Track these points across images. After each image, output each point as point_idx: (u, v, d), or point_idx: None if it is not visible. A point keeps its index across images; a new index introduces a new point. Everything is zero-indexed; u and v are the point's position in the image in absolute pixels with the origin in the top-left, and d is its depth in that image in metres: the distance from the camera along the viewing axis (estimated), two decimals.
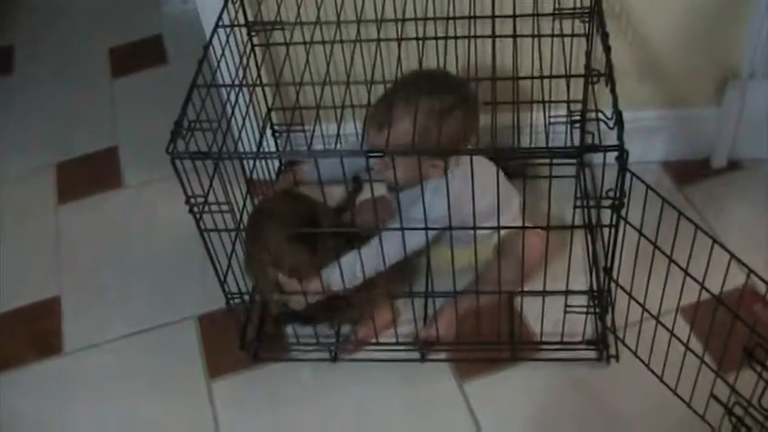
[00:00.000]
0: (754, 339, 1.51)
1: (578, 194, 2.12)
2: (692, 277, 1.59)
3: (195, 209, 1.66)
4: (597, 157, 1.52)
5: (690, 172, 2.29)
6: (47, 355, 2.13)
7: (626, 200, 1.56)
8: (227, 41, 1.88)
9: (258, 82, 2.08)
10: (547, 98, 2.02)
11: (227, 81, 1.87)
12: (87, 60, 3.11)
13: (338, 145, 1.73)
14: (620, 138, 1.49)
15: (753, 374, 1.53)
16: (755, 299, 1.52)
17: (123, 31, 3.20)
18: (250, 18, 2.05)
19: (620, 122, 1.51)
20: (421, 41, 1.82)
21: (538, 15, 1.83)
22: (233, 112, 1.79)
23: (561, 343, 1.90)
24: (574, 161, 2.24)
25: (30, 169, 2.69)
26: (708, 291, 1.58)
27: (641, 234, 1.63)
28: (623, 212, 1.59)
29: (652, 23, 2.07)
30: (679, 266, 1.59)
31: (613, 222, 1.61)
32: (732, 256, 1.51)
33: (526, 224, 1.71)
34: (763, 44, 2.07)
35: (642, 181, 1.56)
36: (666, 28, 2.08)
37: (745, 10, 2.04)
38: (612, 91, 1.60)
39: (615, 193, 1.55)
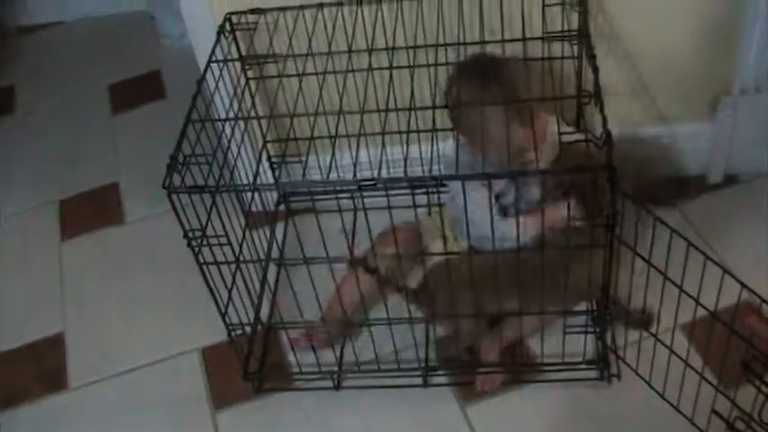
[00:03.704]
0: (751, 353, 1.52)
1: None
2: (686, 293, 1.59)
3: (194, 242, 1.68)
4: None
5: (686, 189, 2.30)
6: (53, 390, 2.14)
7: (619, 219, 1.58)
8: (221, 76, 1.91)
9: (253, 114, 2.10)
10: None
11: (223, 114, 1.89)
12: (87, 97, 3.14)
13: (333, 174, 1.74)
14: (609, 158, 1.51)
15: (753, 388, 1.54)
16: (751, 312, 1.53)
17: (122, 67, 3.23)
18: (243, 52, 2.07)
19: (609, 142, 1.53)
20: (412, 69, 1.83)
21: (526, 39, 1.85)
22: (229, 145, 1.82)
23: (562, 364, 1.90)
24: None
25: (33, 207, 2.71)
26: (703, 307, 1.59)
27: (635, 253, 1.64)
28: (618, 231, 1.61)
29: (642, 43, 2.09)
30: (673, 283, 1.60)
31: (607, 242, 1.62)
32: (724, 270, 1.51)
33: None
34: (755, 59, 2.09)
35: (633, 200, 1.57)
36: (656, 47, 2.10)
37: (735, 26, 2.05)
38: (601, 111, 1.61)
39: (608, 213, 1.56)
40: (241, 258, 1.83)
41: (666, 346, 1.74)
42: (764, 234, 2.15)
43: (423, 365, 1.96)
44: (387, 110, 1.74)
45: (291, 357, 2.03)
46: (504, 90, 1.77)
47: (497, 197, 1.91)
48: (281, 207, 2.42)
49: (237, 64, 2.07)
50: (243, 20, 2.04)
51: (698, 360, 1.76)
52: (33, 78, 3.32)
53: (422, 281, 1.95)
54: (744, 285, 1.52)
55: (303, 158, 1.95)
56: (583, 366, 1.90)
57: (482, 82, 1.80)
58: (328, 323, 1.99)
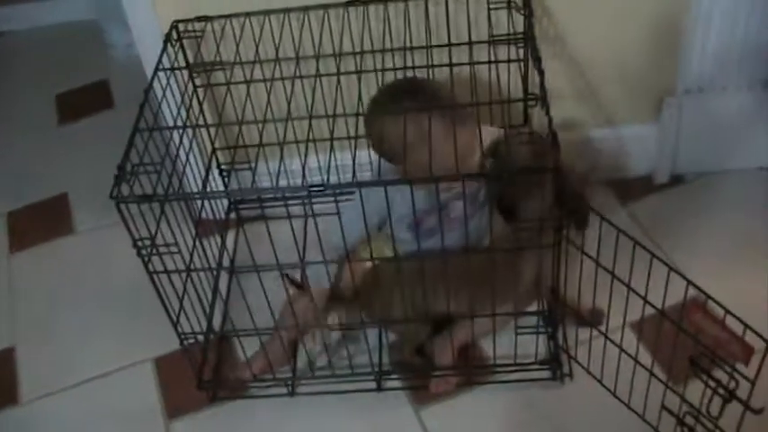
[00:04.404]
0: (698, 349, 1.54)
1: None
2: (634, 292, 1.62)
3: (143, 251, 1.67)
4: None
5: (633, 189, 2.33)
6: (4, 405, 2.12)
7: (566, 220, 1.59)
8: (168, 84, 1.90)
9: (201, 122, 2.09)
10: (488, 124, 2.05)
11: (171, 123, 1.88)
12: (34, 107, 3.11)
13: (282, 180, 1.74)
14: (556, 159, 1.53)
15: (701, 383, 1.56)
16: (697, 309, 1.55)
17: (69, 77, 3.21)
18: (190, 60, 2.07)
19: (555, 144, 1.55)
20: (359, 74, 1.84)
21: (473, 43, 1.86)
22: (177, 153, 1.81)
23: (515, 364, 1.92)
24: None
25: None
26: (651, 304, 1.61)
27: (583, 252, 1.66)
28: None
29: (586, 45, 2.11)
30: (621, 282, 1.62)
31: (556, 242, 1.64)
32: (670, 268, 1.54)
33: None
34: (698, 60, 2.12)
35: (581, 201, 1.59)
36: (601, 49, 2.12)
37: (678, 28, 2.08)
38: (547, 113, 1.63)
39: (555, 214, 1.58)
40: (192, 267, 1.82)
41: (616, 345, 1.77)
42: (710, 232, 2.18)
43: (376, 370, 1.97)
44: (335, 115, 1.74)
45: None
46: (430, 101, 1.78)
47: (417, 223, 1.91)
48: (232, 215, 2.42)
49: (185, 72, 2.06)
50: (189, 27, 2.04)
51: (647, 357, 1.78)
52: None
53: (359, 285, 1.96)
54: (690, 282, 1.54)
55: (252, 165, 1.95)
56: (535, 367, 1.92)
57: (405, 98, 1.79)
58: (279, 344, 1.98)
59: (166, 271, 1.73)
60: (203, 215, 2.13)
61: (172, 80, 1.95)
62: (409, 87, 1.84)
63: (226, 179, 2.34)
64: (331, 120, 1.74)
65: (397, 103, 1.76)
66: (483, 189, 1.92)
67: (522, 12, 1.94)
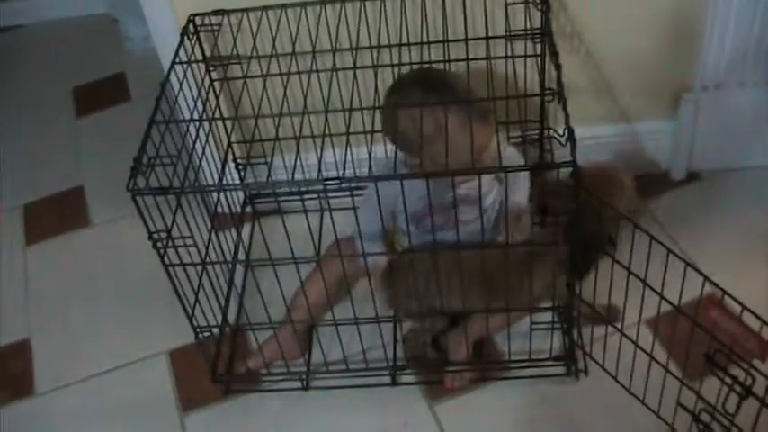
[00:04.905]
0: (714, 345, 1.53)
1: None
2: (650, 287, 1.61)
3: (159, 244, 1.67)
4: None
5: (650, 185, 2.31)
6: (19, 396, 2.13)
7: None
8: (185, 77, 1.90)
9: (217, 116, 2.10)
10: (504, 119, 2.04)
11: (187, 116, 1.88)
12: (51, 100, 3.12)
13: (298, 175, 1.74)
14: (572, 154, 1.52)
15: (717, 380, 1.55)
16: (713, 305, 1.54)
17: (86, 70, 3.22)
18: (207, 53, 2.07)
19: (572, 139, 1.54)
20: (375, 68, 1.84)
21: (489, 38, 1.86)
22: (193, 146, 1.81)
23: (530, 360, 1.91)
24: None
25: None
26: (667, 300, 1.60)
27: (600, 249, 1.65)
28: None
29: (603, 41, 2.11)
30: (638, 278, 1.62)
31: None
32: (687, 263, 1.53)
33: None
34: (715, 56, 2.11)
35: (595, 197, 1.59)
36: (618, 45, 2.11)
37: (696, 23, 2.07)
38: (564, 108, 1.62)
39: (570, 210, 1.58)
40: (207, 260, 1.82)
41: (632, 341, 1.76)
42: (726, 229, 2.17)
43: (391, 364, 1.96)
44: (351, 109, 1.74)
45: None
46: (448, 95, 1.74)
47: (418, 221, 1.90)
48: (248, 209, 2.42)
49: (202, 65, 2.06)
50: (206, 21, 2.04)
51: (663, 354, 1.77)
52: None
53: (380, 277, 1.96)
54: (707, 278, 1.53)
55: (268, 159, 1.95)
56: (550, 362, 1.91)
57: (423, 89, 1.75)
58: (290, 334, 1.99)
59: (182, 264, 1.73)
60: (219, 209, 2.13)
61: (188, 73, 1.95)
62: (426, 79, 1.83)
63: (242, 173, 2.34)
64: (347, 114, 1.74)
65: (413, 95, 1.75)
66: (491, 194, 1.91)
67: (540, 7, 1.93)
